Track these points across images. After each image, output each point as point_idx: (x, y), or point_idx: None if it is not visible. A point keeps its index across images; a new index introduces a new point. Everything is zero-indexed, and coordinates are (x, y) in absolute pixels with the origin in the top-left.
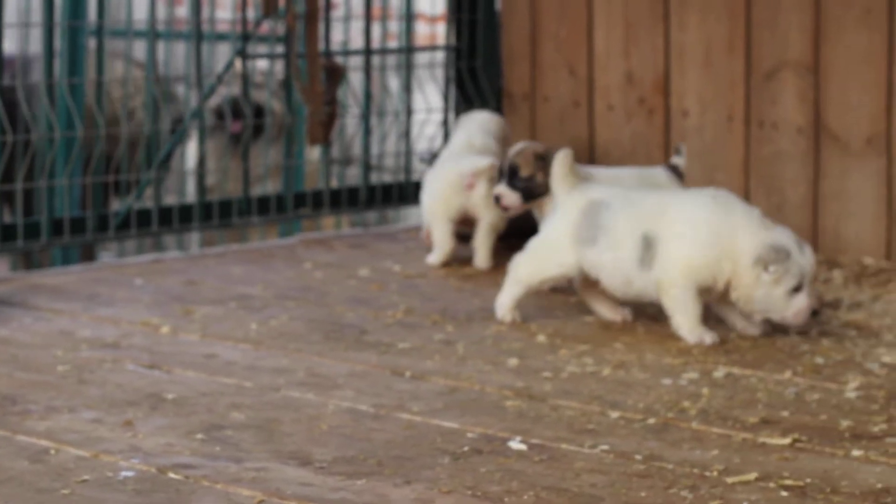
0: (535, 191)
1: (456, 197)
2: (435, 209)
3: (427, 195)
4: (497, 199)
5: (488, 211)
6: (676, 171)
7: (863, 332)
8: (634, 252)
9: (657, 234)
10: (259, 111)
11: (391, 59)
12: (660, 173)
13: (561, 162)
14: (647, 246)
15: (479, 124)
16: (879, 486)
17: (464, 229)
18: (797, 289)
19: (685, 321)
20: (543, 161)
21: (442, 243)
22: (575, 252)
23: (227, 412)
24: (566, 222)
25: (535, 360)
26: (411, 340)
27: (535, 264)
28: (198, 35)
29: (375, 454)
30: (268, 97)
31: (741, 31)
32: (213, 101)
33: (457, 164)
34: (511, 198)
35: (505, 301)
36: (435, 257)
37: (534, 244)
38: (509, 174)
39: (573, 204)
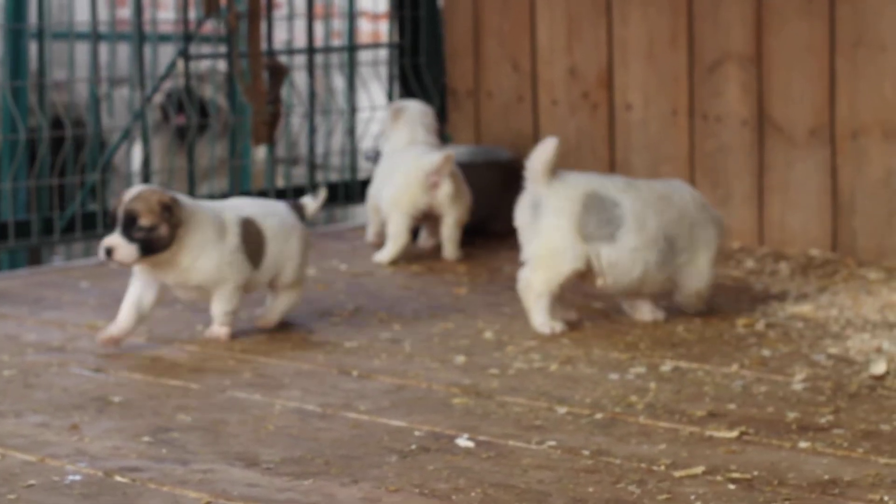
0: (155, 244)
1: (422, 195)
2: (399, 203)
3: (390, 190)
4: (108, 253)
5: (453, 207)
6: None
7: (809, 324)
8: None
9: None
10: (203, 107)
11: (335, 58)
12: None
13: (546, 151)
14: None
15: (418, 118)
16: (826, 477)
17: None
18: None
19: None
20: (169, 211)
21: (397, 237)
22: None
23: (173, 414)
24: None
25: (482, 357)
26: (358, 339)
27: (546, 272)
28: (140, 36)
29: (322, 454)
30: (212, 92)
31: (683, 24)
32: (157, 98)
33: (417, 161)
34: (125, 251)
35: (540, 319)
36: (388, 253)
37: (536, 252)
38: (125, 222)
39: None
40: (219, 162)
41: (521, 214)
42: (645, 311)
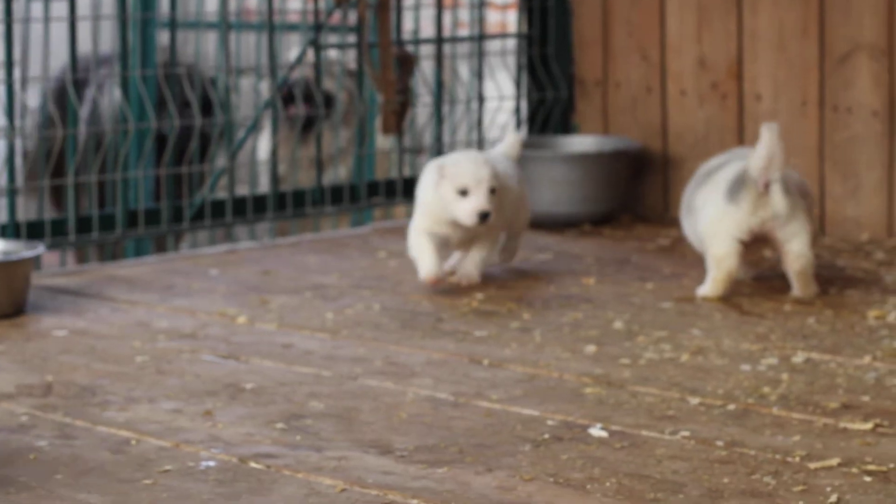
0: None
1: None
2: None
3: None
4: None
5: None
6: None
7: None
8: None
9: None
10: (328, 99)
11: (462, 48)
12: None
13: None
14: None
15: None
16: None
17: None
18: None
19: None
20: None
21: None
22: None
23: (306, 401)
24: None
25: (612, 347)
26: (488, 328)
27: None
28: (270, 26)
29: (456, 442)
30: (338, 85)
31: (814, 14)
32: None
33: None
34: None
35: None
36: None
37: (808, 228)
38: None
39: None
40: (340, 151)
41: (780, 203)
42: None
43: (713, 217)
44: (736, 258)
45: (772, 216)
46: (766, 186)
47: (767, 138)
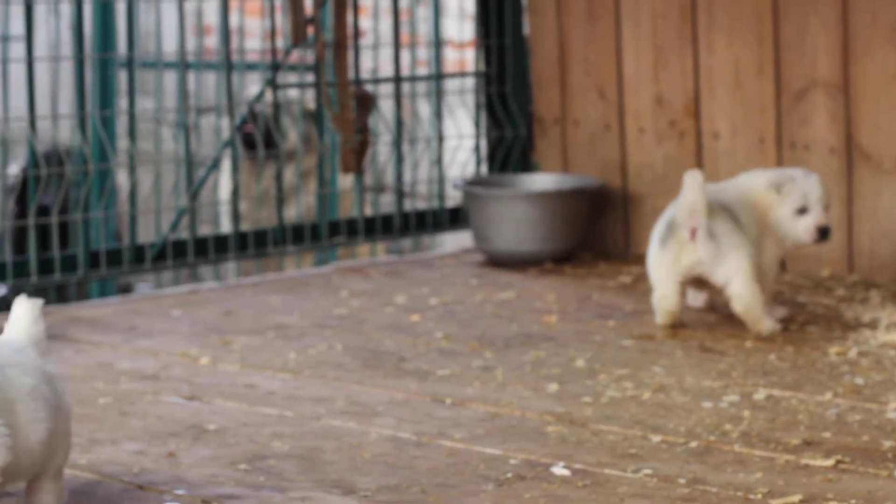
0: None
1: None
2: None
3: None
4: (824, 234)
5: None
6: None
7: None
8: None
9: None
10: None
11: (421, 86)
12: None
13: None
14: None
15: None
16: None
17: None
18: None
19: None
20: None
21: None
22: None
23: (269, 442)
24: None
25: (574, 385)
26: (450, 367)
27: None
28: (228, 65)
29: (419, 482)
30: (298, 123)
31: (769, 52)
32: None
33: None
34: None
35: (770, 322)
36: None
37: (742, 267)
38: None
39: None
40: (289, 188)
41: (699, 249)
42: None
43: (650, 260)
44: (674, 298)
45: (697, 262)
46: (693, 233)
47: (689, 186)
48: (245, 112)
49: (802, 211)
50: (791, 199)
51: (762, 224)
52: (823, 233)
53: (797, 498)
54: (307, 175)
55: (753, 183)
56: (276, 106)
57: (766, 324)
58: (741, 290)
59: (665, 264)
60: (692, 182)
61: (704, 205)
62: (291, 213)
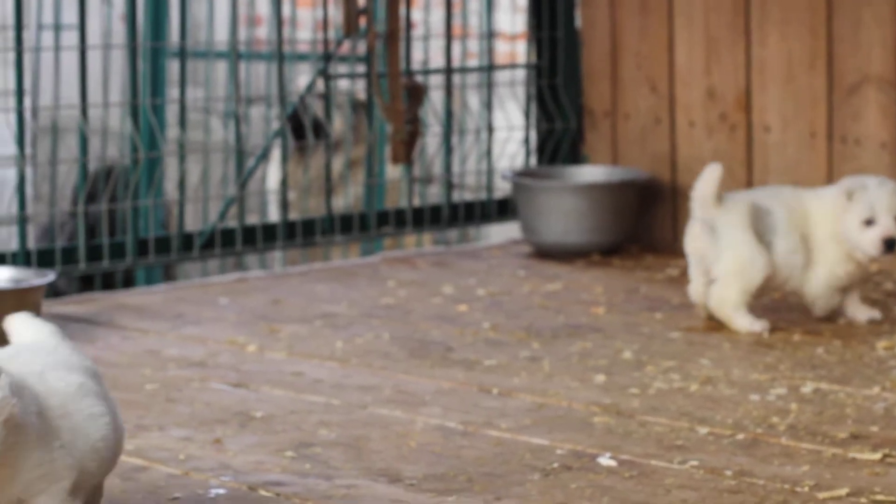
0: None
1: None
2: None
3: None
4: (892, 245)
5: None
6: None
7: None
8: None
9: None
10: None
11: (472, 78)
12: None
13: (713, 178)
14: None
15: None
16: None
17: None
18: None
19: None
20: None
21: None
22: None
23: (315, 430)
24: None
25: (621, 377)
26: (497, 357)
27: (740, 283)
28: (280, 55)
29: (465, 471)
30: (348, 115)
31: (822, 46)
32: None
33: None
34: None
35: (745, 321)
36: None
37: (727, 267)
38: None
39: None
40: (337, 178)
41: (697, 240)
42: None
43: None
44: (699, 289)
45: (702, 254)
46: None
47: (703, 178)
48: (296, 102)
49: (870, 222)
50: (859, 208)
51: (823, 234)
52: (890, 245)
53: (844, 491)
54: (355, 165)
55: (821, 192)
56: (327, 96)
57: (738, 323)
58: (717, 288)
59: (688, 256)
60: (707, 174)
61: (711, 197)
62: (339, 204)
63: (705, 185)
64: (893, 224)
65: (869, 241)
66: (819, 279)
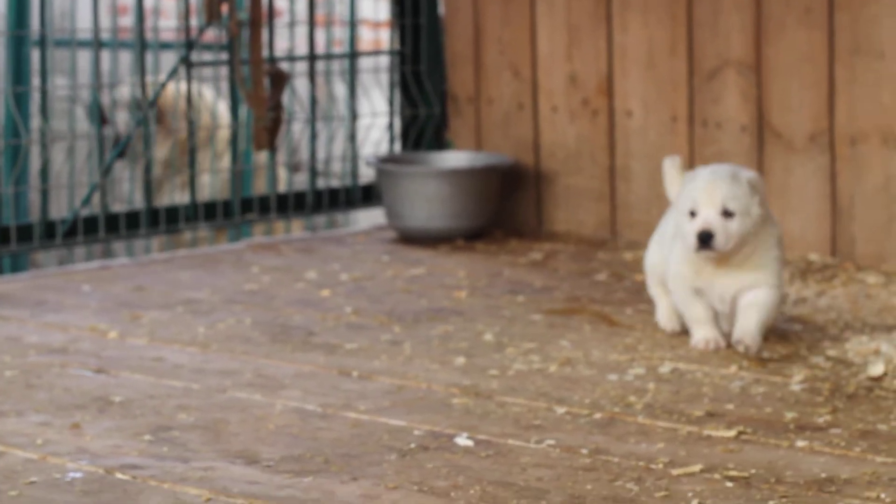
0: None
1: None
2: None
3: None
4: (706, 239)
5: None
6: None
7: (808, 327)
8: None
9: None
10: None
11: (336, 65)
12: None
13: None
14: None
15: None
16: (823, 475)
17: None
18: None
19: None
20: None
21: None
22: None
23: (174, 414)
24: None
25: (481, 359)
26: (358, 341)
27: None
28: (141, 44)
29: (322, 452)
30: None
31: (682, 31)
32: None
33: None
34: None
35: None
36: None
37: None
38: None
39: None
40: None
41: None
42: None
43: None
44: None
45: None
46: None
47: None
48: (158, 90)
49: (693, 214)
50: (682, 199)
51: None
52: (704, 239)
53: (698, 468)
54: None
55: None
56: (190, 85)
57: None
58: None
59: None
60: (670, 169)
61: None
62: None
63: (673, 180)
64: (716, 217)
65: (689, 235)
66: (669, 277)
